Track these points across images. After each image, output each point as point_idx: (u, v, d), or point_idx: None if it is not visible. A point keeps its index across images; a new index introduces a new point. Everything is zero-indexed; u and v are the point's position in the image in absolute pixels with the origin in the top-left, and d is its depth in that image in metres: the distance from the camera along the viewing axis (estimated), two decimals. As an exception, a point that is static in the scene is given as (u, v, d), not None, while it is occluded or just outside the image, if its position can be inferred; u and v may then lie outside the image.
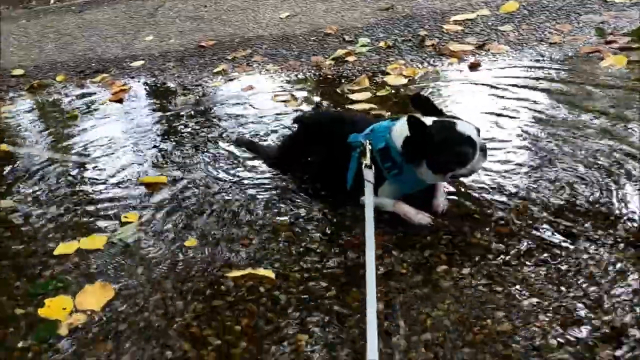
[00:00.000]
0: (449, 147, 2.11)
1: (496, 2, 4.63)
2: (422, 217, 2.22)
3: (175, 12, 5.71)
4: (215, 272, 2.12)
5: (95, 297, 2.04)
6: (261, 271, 2.08)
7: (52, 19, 6.26)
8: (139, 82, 4.34)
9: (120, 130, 3.54)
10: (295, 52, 4.38)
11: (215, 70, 4.28)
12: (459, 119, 2.20)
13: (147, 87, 4.22)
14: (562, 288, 1.81)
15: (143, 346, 1.82)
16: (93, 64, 4.86)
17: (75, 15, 6.14)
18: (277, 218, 2.39)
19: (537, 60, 3.55)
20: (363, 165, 2.22)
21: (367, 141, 2.26)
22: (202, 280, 2.09)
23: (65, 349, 1.86)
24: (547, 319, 1.70)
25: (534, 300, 1.78)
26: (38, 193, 2.86)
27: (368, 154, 2.22)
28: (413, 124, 2.10)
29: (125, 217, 2.57)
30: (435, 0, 4.89)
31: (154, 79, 4.35)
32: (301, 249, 2.18)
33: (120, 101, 4.04)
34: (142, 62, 4.72)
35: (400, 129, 2.22)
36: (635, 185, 2.25)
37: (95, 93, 4.26)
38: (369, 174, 2.18)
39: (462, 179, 2.36)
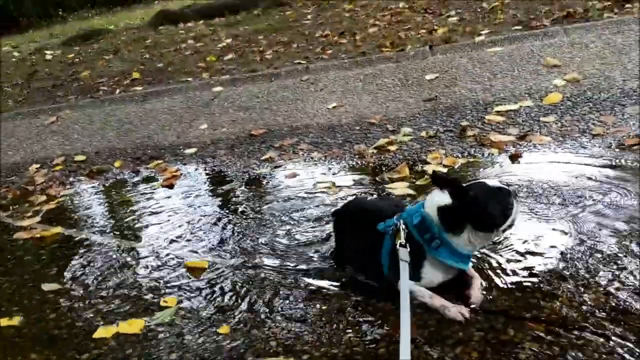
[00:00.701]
0: (492, 201, 2.22)
1: (540, 93, 4.69)
2: (457, 312, 2.20)
3: (230, 102, 6.00)
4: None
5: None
6: (287, 361, 2.10)
7: (116, 107, 6.69)
8: (190, 168, 4.55)
9: (168, 215, 3.70)
10: (340, 141, 4.51)
11: (262, 158, 4.45)
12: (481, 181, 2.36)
13: (197, 174, 4.41)
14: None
15: None
16: (149, 151, 5.13)
17: (137, 104, 6.53)
18: (310, 309, 2.41)
19: (578, 152, 3.55)
20: (397, 245, 2.25)
21: (401, 221, 2.32)
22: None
23: None
24: None
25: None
26: (84, 276, 3.00)
27: (402, 233, 2.27)
28: (456, 189, 2.22)
29: (165, 301, 2.65)
30: (478, 92, 4.99)
31: (204, 165, 4.55)
32: (332, 340, 2.18)
33: (171, 187, 4.23)
34: (194, 149, 4.96)
35: (431, 203, 2.31)
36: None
37: (149, 178, 4.48)
38: (403, 253, 2.22)
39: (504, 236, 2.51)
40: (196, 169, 4.52)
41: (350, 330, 2.23)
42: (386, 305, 2.33)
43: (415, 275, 2.26)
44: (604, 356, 1.88)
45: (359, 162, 4.04)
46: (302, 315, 2.38)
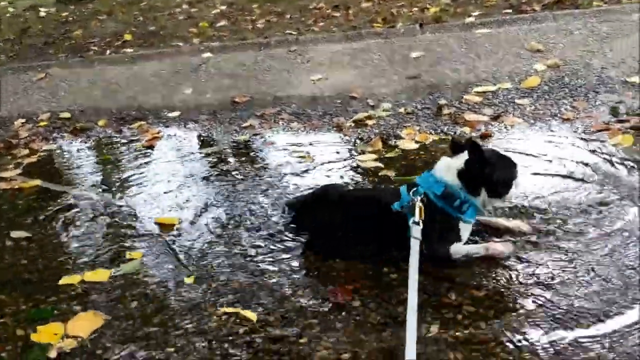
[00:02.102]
0: (505, 169, 2.42)
1: (520, 76, 4.76)
2: (508, 247, 2.42)
3: (217, 69, 6.04)
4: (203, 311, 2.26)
5: (85, 324, 2.21)
6: (247, 313, 2.21)
7: (104, 68, 6.71)
8: (171, 130, 4.62)
9: (147, 174, 3.79)
10: (320, 113, 4.59)
11: (243, 125, 4.52)
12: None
13: (178, 136, 4.49)
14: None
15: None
16: (133, 112, 5.19)
17: (126, 66, 6.56)
18: (271, 267, 2.52)
19: (548, 135, 3.65)
20: (411, 222, 2.29)
21: (418, 198, 2.37)
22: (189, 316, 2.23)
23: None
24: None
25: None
26: (57, 227, 3.10)
27: (417, 211, 2.32)
28: (474, 148, 2.36)
29: (130, 254, 2.75)
30: (461, 72, 5.06)
31: (185, 129, 4.63)
32: (287, 295, 2.30)
33: (152, 147, 4.31)
34: (178, 112, 5.02)
35: (448, 169, 2.43)
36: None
37: (131, 138, 4.55)
38: (416, 231, 2.27)
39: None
40: (177, 132, 4.59)
41: (300, 293, 2.34)
42: (342, 264, 2.44)
43: (456, 238, 2.41)
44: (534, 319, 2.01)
45: (336, 134, 4.12)
46: (261, 272, 2.49)
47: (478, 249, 2.41)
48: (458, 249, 2.39)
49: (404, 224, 2.34)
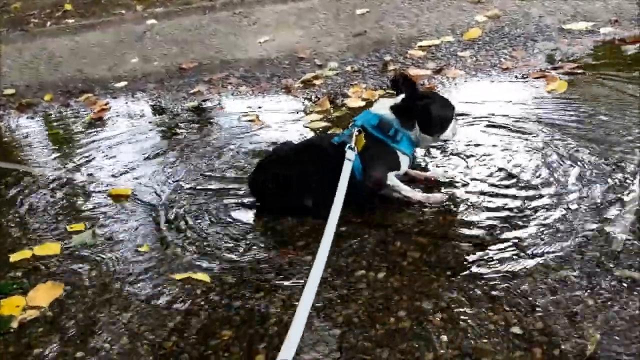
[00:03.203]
0: (438, 112, 2.53)
1: (462, 29, 4.87)
2: (437, 197, 2.55)
3: (162, 35, 5.98)
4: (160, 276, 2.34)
5: (45, 295, 2.26)
6: (199, 275, 2.29)
7: (47, 40, 6.55)
8: (119, 101, 4.59)
9: (96, 146, 3.78)
10: (268, 75, 4.62)
11: (191, 91, 4.53)
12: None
13: (126, 107, 4.46)
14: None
15: (86, 339, 2.03)
16: (79, 85, 5.12)
17: (69, 37, 6.42)
18: (224, 230, 2.60)
19: (488, 85, 3.78)
20: (347, 148, 2.41)
21: (355, 129, 2.49)
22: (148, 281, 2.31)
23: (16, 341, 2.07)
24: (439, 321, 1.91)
25: (433, 302, 1.98)
26: (7, 203, 3.11)
27: (354, 138, 2.45)
28: (407, 82, 2.48)
29: (72, 227, 2.79)
30: (405, 27, 5.14)
31: (133, 99, 4.60)
32: (242, 256, 2.39)
33: (100, 119, 4.29)
34: (125, 82, 4.98)
35: (382, 105, 2.57)
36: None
37: (78, 111, 4.51)
38: (350, 154, 2.39)
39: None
40: (125, 102, 4.57)
41: (255, 248, 2.44)
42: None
43: (394, 165, 2.53)
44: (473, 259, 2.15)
45: (284, 96, 4.17)
46: (214, 235, 2.57)
47: (414, 192, 2.55)
48: (394, 179, 2.52)
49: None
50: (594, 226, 2.22)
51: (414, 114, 2.52)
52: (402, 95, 2.56)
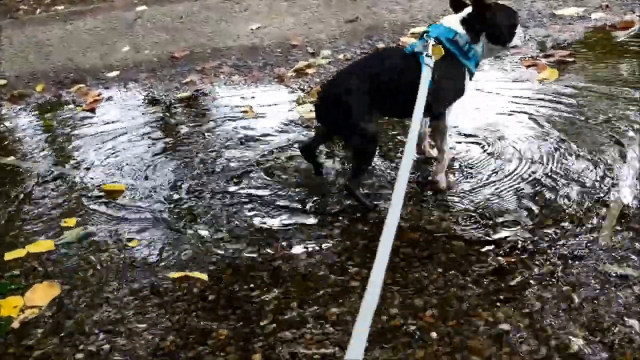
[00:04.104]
0: (506, 20, 2.55)
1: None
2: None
3: (153, 23, 5.93)
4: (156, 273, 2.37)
5: (43, 295, 2.29)
6: (196, 274, 2.33)
7: (37, 29, 6.49)
8: (111, 92, 4.57)
9: (89, 140, 3.78)
10: (261, 64, 4.61)
11: (184, 81, 4.52)
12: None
13: (119, 98, 4.45)
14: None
15: (84, 340, 2.07)
16: (71, 74, 5.09)
17: (59, 25, 6.36)
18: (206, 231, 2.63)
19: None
20: (425, 55, 2.36)
21: (431, 39, 2.44)
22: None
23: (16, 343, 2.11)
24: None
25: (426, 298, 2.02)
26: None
27: (430, 48, 2.40)
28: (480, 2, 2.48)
29: (65, 221, 2.81)
30: (398, 12, 5.13)
31: (125, 89, 4.59)
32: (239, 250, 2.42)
33: (93, 111, 4.28)
34: (117, 72, 4.96)
35: (453, 19, 2.54)
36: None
37: (70, 103, 4.50)
38: (429, 61, 2.35)
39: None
40: (118, 93, 4.56)
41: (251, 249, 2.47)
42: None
43: (459, 89, 2.56)
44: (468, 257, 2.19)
45: (277, 85, 4.17)
46: (210, 233, 2.60)
47: (448, 154, 2.66)
48: (447, 123, 2.61)
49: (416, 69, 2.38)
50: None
51: (485, 26, 2.50)
52: (466, 11, 2.54)
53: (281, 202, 2.72)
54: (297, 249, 2.38)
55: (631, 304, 1.89)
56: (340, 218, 2.54)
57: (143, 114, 4.09)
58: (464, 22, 2.52)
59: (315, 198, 2.71)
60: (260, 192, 2.83)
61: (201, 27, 5.64)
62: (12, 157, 3.71)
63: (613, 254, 2.10)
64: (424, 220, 2.45)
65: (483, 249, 2.23)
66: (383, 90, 2.47)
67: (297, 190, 2.80)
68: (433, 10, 5.03)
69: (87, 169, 3.37)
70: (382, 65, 2.55)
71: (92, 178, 3.24)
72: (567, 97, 3.31)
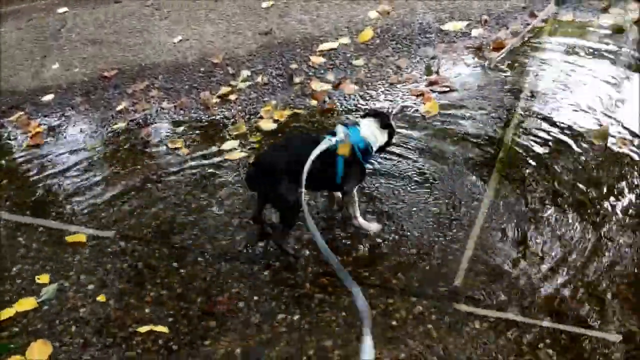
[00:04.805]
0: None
1: (357, 26, 5.49)
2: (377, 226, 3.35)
3: (77, 33, 6.23)
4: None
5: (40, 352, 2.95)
6: (159, 327, 3.03)
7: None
8: (52, 121, 4.99)
9: (41, 181, 4.27)
10: (187, 87, 5.13)
11: (118, 109, 4.99)
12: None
13: (60, 129, 4.89)
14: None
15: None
16: (8, 99, 5.43)
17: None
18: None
19: (374, 104, 4.49)
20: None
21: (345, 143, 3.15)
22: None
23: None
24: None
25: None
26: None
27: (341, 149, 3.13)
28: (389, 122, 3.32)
29: (38, 278, 3.40)
30: (307, 24, 5.69)
31: (65, 118, 5.02)
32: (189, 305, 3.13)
33: (37, 146, 4.73)
34: (52, 95, 5.34)
35: (369, 131, 3.25)
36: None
37: (14, 136, 4.90)
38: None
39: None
40: (58, 123, 4.98)
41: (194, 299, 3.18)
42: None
43: (362, 176, 3.34)
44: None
45: (204, 116, 4.73)
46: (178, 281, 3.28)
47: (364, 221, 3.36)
48: (354, 197, 3.32)
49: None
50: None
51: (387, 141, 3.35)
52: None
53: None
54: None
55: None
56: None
57: (86, 149, 4.55)
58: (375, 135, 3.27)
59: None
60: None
61: (126, 38, 6.01)
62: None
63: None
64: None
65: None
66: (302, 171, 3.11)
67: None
68: (338, 21, 5.63)
69: (45, 216, 3.91)
70: (304, 151, 3.13)
71: (51, 227, 3.79)
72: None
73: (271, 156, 3.28)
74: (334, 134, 3.19)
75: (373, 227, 3.37)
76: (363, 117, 3.36)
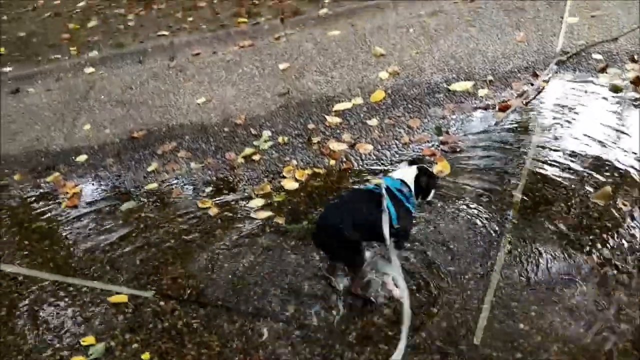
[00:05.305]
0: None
1: (369, 87, 5.86)
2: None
3: (106, 95, 6.61)
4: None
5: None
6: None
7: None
8: (86, 183, 5.34)
9: (80, 242, 4.60)
10: (213, 147, 5.47)
11: (149, 169, 5.33)
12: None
13: (95, 191, 5.23)
14: None
15: None
16: (42, 159, 5.79)
17: (14, 97, 6.93)
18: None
19: (389, 165, 4.81)
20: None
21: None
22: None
23: None
24: None
25: None
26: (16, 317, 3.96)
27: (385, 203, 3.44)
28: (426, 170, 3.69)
29: (84, 340, 3.70)
30: (322, 84, 6.06)
31: (99, 179, 5.36)
32: None
33: (75, 207, 5.07)
34: (85, 156, 5.69)
35: (404, 176, 3.61)
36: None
37: (51, 197, 5.24)
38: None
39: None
40: (92, 184, 5.32)
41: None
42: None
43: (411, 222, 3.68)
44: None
45: (230, 176, 5.06)
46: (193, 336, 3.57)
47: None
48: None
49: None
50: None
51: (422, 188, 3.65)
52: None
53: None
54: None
55: None
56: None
57: (122, 210, 4.88)
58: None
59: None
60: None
61: (152, 99, 6.39)
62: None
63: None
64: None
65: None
66: (362, 223, 3.44)
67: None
68: (351, 82, 6.00)
69: (93, 277, 4.23)
70: (361, 204, 3.52)
71: (95, 289, 4.11)
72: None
73: (331, 215, 3.57)
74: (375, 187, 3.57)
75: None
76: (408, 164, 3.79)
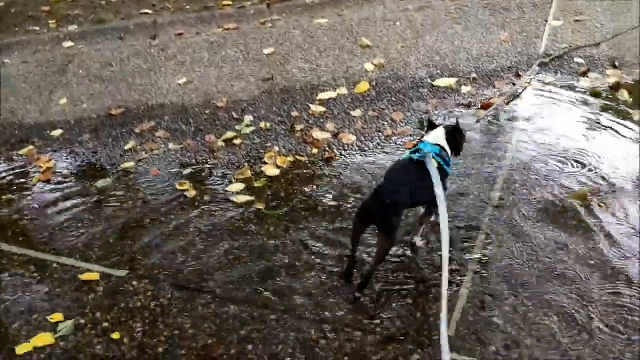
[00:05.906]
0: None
1: (354, 78, 5.83)
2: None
3: (84, 69, 6.46)
4: None
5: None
6: (174, 365, 3.27)
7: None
8: (61, 157, 5.22)
9: (53, 218, 4.50)
10: (192, 129, 5.39)
11: (126, 147, 5.23)
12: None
13: (69, 166, 5.12)
14: None
15: None
16: (16, 132, 5.65)
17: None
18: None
19: (375, 157, 4.80)
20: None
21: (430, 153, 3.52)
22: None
23: None
24: None
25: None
26: None
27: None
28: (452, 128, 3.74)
29: (52, 317, 3.62)
30: (307, 72, 6.01)
31: (74, 155, 5.24)
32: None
33: (48, 181, 4.95)
34: (60, 131, 5.57)
35: (436, 139, 3.65)
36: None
37: (24, 170, 5.11)
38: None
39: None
40: (66, 159, 5.21)
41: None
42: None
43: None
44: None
45: (210, 159, 5.00)
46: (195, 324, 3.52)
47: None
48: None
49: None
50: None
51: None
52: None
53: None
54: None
55: None
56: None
57: (96, 187, 4.78)
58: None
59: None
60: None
61: (132, 77, 6.26)
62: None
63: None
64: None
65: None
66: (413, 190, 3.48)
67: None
68: (336, 71, 5.96)
69: (60, 254, 4.14)
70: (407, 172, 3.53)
71: (66, 265, 4.02)
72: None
73: (387, 185, 3.50)
74: (414, 152, 3.57)
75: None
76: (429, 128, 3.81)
